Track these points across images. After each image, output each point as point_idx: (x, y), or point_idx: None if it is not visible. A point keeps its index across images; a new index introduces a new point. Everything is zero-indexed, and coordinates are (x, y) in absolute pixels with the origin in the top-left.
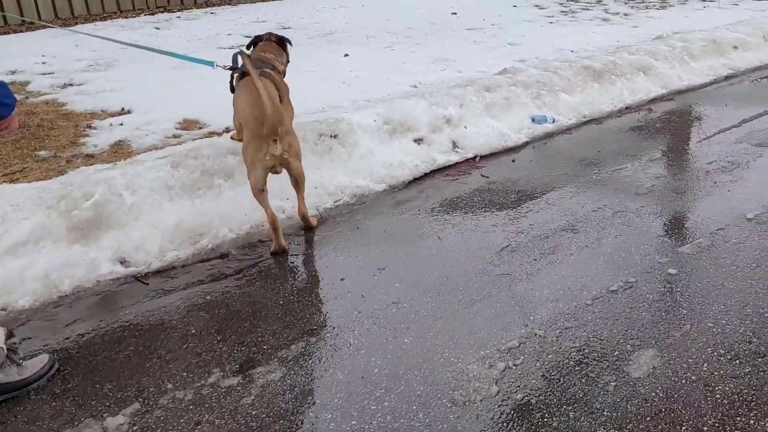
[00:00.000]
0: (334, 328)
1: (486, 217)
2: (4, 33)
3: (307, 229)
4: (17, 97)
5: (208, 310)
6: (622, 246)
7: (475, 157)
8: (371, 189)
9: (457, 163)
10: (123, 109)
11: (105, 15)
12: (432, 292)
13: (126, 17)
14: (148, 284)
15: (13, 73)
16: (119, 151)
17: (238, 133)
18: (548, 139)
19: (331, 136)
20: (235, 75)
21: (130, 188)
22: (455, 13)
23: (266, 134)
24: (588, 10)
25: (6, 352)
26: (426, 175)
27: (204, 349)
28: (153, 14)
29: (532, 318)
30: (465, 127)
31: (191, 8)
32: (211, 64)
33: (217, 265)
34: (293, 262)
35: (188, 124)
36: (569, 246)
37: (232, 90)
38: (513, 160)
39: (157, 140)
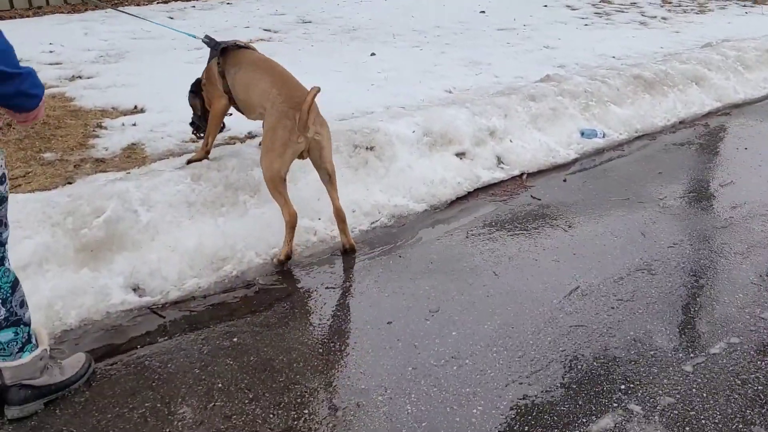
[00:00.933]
0: (386, 389)
1: (545, 249)
2: (11, 17)
3: (344, 251)
4: None
5: (235, 357)
6: (712, 294)
7: (522, 174)
8: (411, 209)
9: (502, 181)
10: (136, 107)
11: (116, 2)
12: (497, 346)
13: (138, 5)
14: (164, 317)
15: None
16: (132, 155)
17: (212, 115)
18: (599, 155)
19: (367, 148)
20: (216, 60)
21: (146, 203)
22: (484, 12)
23: (298, 115)
24: (623, 12)
25: (49, 352)
26: (469, 194)
27: (234, 411)
28: (166, 2)
29: (623, 387)
30: (510, 141)
31: None
32: (194, 36)
33: (242, 297)
34: (330, 297)
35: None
36: (649, 291)
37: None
38: (564, 180)
39: (173, 144)
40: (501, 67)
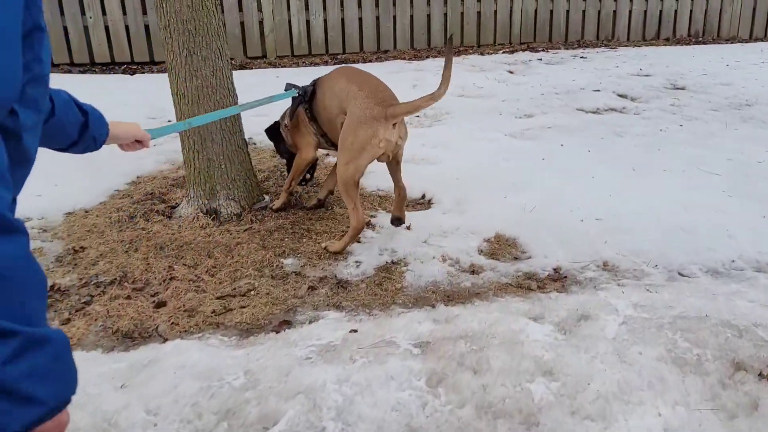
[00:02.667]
0: None
1: None
2: (354, 61)
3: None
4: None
5: None
6: None
7: None
8: None
9: None
10: (423, 197)
11: (461, 48)
12: None
13: (482, 53)
14: None
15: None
16: (383, 284)
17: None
18: None
19: (759, 374)
20: (304, 106)
21: (342, 417)
22: None
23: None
24: None
25: None
26: None
27: None
28: (512, 52)
29: None
30: None
31: (558, 47)
32: (291, 93)
33: None
34: None
35: (498, 246)
36: None
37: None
38: None
39: (443, 272)
40: None
